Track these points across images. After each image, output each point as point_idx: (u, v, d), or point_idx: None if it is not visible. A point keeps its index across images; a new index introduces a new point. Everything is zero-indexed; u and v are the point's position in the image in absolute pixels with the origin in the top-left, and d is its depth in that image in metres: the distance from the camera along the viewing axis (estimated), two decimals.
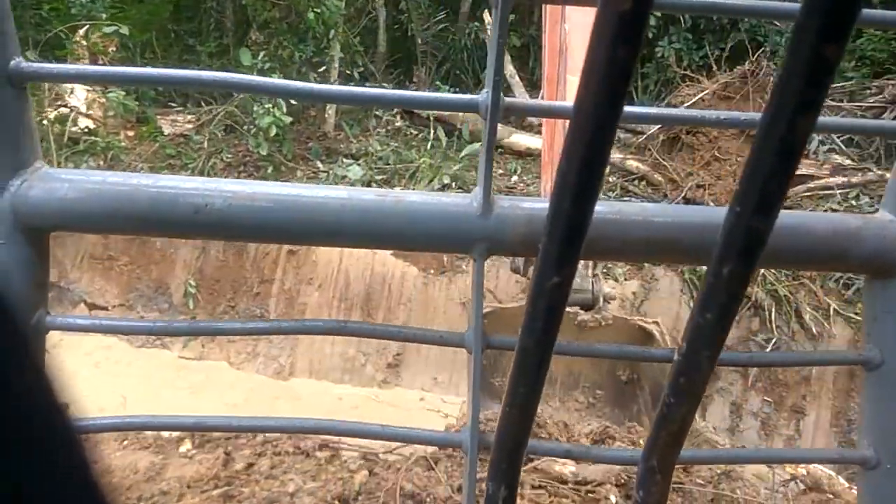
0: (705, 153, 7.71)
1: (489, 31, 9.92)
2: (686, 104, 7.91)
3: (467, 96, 0.95)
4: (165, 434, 4.97)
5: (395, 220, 0.95)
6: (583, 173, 0.38)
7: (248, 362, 7.06)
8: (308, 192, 0.95)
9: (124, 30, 8.68)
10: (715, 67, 8.80)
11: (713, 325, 0.44)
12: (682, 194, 7.45)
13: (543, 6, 4.84)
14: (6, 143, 0.90)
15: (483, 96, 0.91)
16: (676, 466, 0.56)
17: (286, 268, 7.41)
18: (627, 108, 0.95)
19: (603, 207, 0.93)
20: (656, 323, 4.92)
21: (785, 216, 0.96)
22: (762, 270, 6.36)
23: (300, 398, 6.55)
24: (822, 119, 1.09)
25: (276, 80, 0.95)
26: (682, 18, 9.24)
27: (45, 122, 8.24)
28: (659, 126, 7.72)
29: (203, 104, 9.64)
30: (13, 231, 0.90)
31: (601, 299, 4.52)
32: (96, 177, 0.93)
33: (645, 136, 8.33)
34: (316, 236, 0.96)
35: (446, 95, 0.96)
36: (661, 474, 0.53)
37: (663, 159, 7.96)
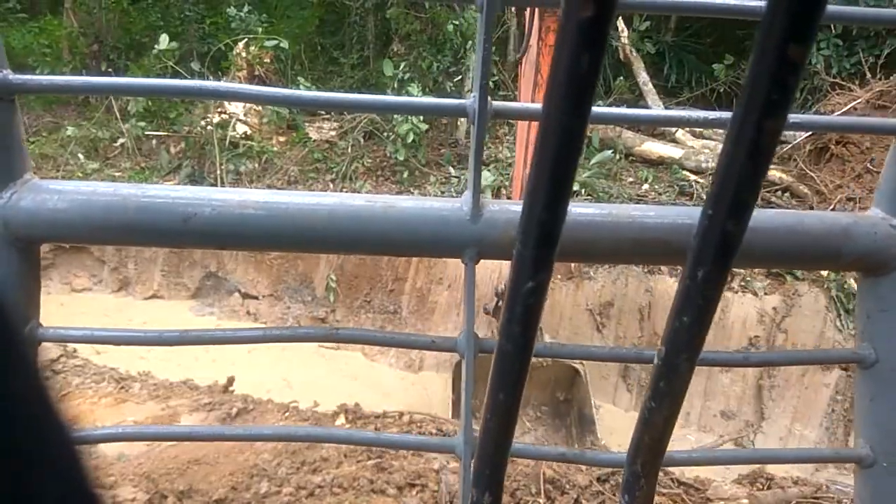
0: (856, 165, 7.37)
1: (622, 39, 10.14)
2: (836, 113, 7.57)
3: (456, 101, 0.95)
4: (320, 409, 5.46)
5: (385, 226, 0.95)
6: (553, 179, 0.38)
7: (381, 354, 7.56)
8: (297, 199, 0.95)
9: (284, 43, 9.33)
10: (869, 75, 8.41)
11: (690, 328, 0.44)
12: (831, 207, 7.13)
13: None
14: None
15: (471, 101, 0.91)
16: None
17: (418, 267, 7.72)
18: (600, 110, 0.96)
19: (593, 210, 0.93)
20: (581, 363, 6.17)
21: (775, 215, 0.96)
22: (849, 277, 6.30)
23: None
24: (843, 118, 1.08)
25: (260, 88, 0.95)
26: (831, 25, 9.01)
27: (209, 126, 8.95)
28: (809, 134, 7.43)
29: (346, 112, 10.13)
30: (3, 243, 0.91)
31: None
32: (86, 187, 0.93)
33: (790, 145, 8.08)
34: (306, 243, 0.96)
35: (433, 100, 0.96)
36: (646, 478, 0.53)
37: (810, 170, 7.68)
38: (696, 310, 0.43)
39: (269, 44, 9.42)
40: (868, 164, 7.32)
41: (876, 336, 0.96)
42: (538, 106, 0.96)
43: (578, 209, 0.92)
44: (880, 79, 8.21)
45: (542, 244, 0.40)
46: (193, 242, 0.95)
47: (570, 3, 0.32)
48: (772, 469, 5.00)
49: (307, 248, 0.99)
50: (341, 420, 5.29)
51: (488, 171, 8.68)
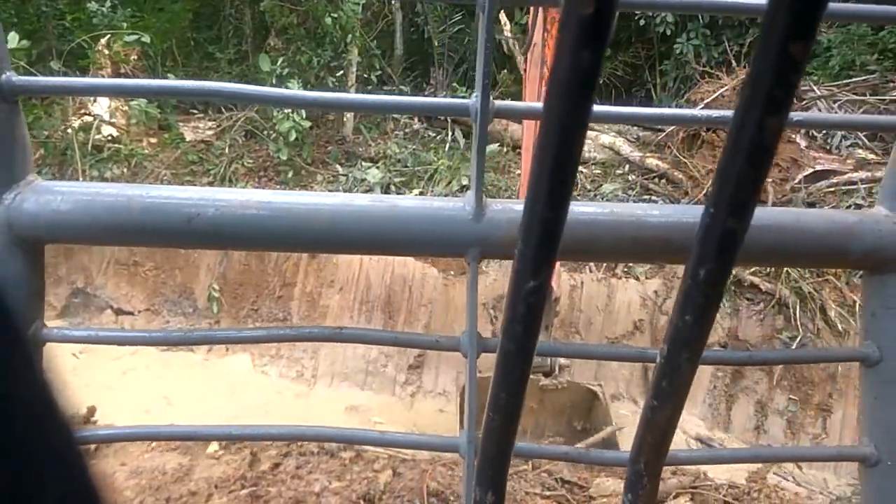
0: None
1: (506, 32, 10.10)
2: (705, 101, 7.89)
3: (458, 101, 0.95)
4: None
5: (389, 226, 0.95)
6: (554, 177, 0.38)
7: (270, 364, 7.23)
8: (301, 199, 0.95)
9: (146, 38, 8.80)
10: (734, 63, 8.70)
11: (692, 326, 0.44)
12: (704, 191, 7.39)
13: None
14: None
15: (473, 100, 0.91)
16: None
17: (308, 271, 7.49)
18: (602, 109, 0.95)
19: (594, 208, 0.93)
20: (599, 385, 5.90)
21: (780, 214, 0.96)
22: (786, 267, 6.39)
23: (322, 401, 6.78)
24: (844, 116, 1.08)
25: (265, 89, 0.95)
26: (699, 16, 9.25)
27: (69, 130, 8.41)
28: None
29: (224, 110, 9.74)
30: (8, 244, 0.91)
31: (557, 367, 5.56)
32: (90, 188, 0.93)
33: (664, 133, 8.30)
34: (310, 244, 0.96)
35: (436, 100, 0.96)
36: (649, 477, 0.53)
37: (683, 157, 7.94)
38: (697, 309, 0.43)
39: (129, 39, 8.84)
40: None
41: (881, 334, 0.95)
42: (541, 105, 0.96)
43: (580, 208, 0.92)
44: (744, 67, 8.44)
45: (543, 243, 0.40)
46: (197, 242, 0.95)
47: (570, 0, 0.32)
48: None
49: (310, 249, 0.99)
50: (214, 446, 4.93)
51: (377, 168, 8.48)
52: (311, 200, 0.95)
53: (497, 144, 8.64)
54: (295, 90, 0.96)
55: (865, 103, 7.92)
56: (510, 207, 0.95)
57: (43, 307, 0.97)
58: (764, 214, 0.92)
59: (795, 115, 0.89)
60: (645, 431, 0.51)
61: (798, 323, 6.46)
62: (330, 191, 8.19)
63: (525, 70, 5.63)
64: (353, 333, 1.04)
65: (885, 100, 7.99)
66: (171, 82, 0.95)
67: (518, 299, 0.43)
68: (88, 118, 8.74)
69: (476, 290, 0.96)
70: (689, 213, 0.91)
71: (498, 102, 0.92)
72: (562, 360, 5.62)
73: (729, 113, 0.83)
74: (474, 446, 0.92)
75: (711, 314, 0.44)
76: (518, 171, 8.40)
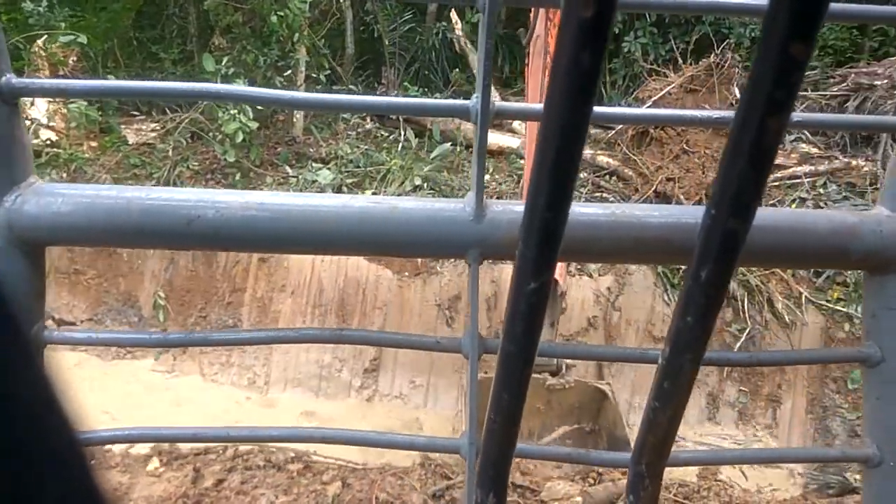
0: (674, 147, 7.70)
1: (457, 31, 9.93)
2: (653, 98, 7.91)
3: (458, 102, 0.95)
4: (132, 452, 4.91)
5: (390, 227, 0.95)
6: (555, 178, 0.38)
7: (221, 373, 6.99)
8: (301, 200, 0.95)
9: (82, 38, 8.39)
10: (680, 61, 8.74)
11: (694, 327, 0.44)
12: (653, 188, 7.44)
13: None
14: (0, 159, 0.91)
15: (473, 102, 0.91)
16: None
17: (258, 275, 7.26)
18: (602, 110, 0.95)
19: (595, 209, 0.93)
20: (608, 384, 5.79)
21: (781, 214, 0.96)
22: (787, 268, 6.43)
23: (276, 409, 6.58)
24: (843, 116, 1.09)
25: (267, 91, 0.95)
26: (647, 14, 9.28)
27: None
28: None
29: (167, 111, 9.43)
30: (9, 245, 0.91)
31: (564, 367, 5.45)
32: (90, 190, 0.93)
33: (614, 131, 8.35)
34: (310, 245, 0.96)
35: (437, 101, 0.96)
36: (651, 478, 0.53)
37: (633, 154, 7.97)
38: (699, 309, 0.43)
39: (64, 39, 8.38)
40: (684, 146, 7.70)
41: (882, 334, 0.95)
42: (541, 106, 0.96)
43: (581, 209, 0.92)
44: (691, 64, 8.50)
45: (544, 244, 0.40)
46: (197, 244, 0.95)
47: (570, 2, 0.32)
48: None
49: (311, 250, 0.98)
50: (155, 463, 4.78)
51: (328, 169, 8.23)
52: (311, 202, 0.95)
53: (449, 144, 8.52)
54: (295, 92, 0.96)
55: (807, 99, 8.02)
56: (510, 208, 0.95)
57: (44, 309, 0.97)
58: (763, 215, 0.92)
59: (795, 116, 0.89)
60: (647, 432, 0.51)
61: (746, 315, 6.51)
62: None
63: (527, 63, 5.55)
64: (353, 335, 1.04)
65: (825, 95, 8.08)
66: (170, 84, 0.95)
67: (519, 300, 0.43)
68: (26, 122, 8.29)
69: (477, 290, 0.96)
70: (690, 214, 0.91)
71: (498, 103, 0.92)
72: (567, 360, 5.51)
73: (730, 113, 0.83)
74: (476, 447, 0.92)
75: (713, 315, 0.44)
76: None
